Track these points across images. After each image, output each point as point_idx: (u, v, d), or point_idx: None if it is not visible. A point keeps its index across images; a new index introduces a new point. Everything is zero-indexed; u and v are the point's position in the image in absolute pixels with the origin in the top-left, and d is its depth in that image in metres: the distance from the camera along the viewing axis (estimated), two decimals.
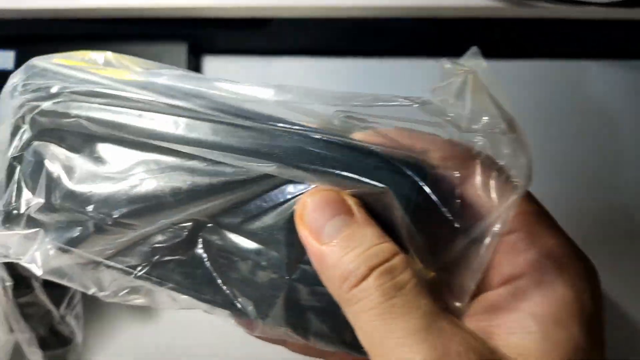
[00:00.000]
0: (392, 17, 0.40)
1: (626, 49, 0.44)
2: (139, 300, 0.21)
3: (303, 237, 0.18)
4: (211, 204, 0.19)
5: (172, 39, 0.42)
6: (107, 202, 0.20)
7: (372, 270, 0.16)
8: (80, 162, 0.20)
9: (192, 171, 0.19)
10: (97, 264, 0.21)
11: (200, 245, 0.20)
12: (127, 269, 0.20)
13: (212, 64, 0.45)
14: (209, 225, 0.20)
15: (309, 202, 0.18)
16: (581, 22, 0.40)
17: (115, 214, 0.20)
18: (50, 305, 0.30)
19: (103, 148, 0.20)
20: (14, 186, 0.21)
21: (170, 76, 0.20)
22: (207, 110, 0.19)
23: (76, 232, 0.20)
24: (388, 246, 0.17)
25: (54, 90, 0.21)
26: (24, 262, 0.21)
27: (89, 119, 0.20)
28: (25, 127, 0.21)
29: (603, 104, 0.43)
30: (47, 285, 0.29)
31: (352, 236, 0.17)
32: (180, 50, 0.42)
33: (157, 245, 0.20)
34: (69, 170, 0.21)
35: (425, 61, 0.43)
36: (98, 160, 0.20)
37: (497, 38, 0.44)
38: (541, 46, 0.44)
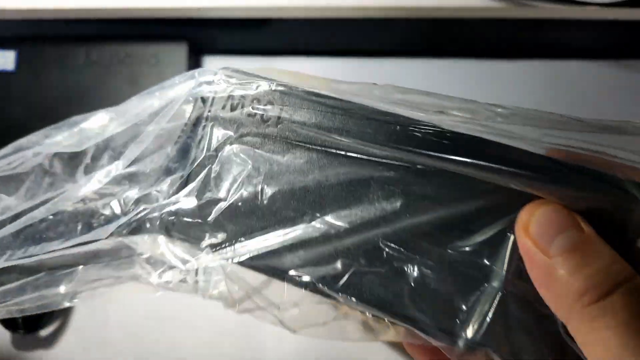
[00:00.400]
0: (391, 18, 0.40)
1: (626, 49, 0.44)
2: (324, 326, 0.19)
3: (526, 249, 0.17)
4: (422, 218, 0.18)
5: (172, 39, 0.42)
6: (315, 203, 0.19)
7: (617, 286, 0.16)
8: (281, 166, 0.19)
9: (402, 180, 0.18)
10: (281, 275, 0.19)
11: (403, 259, 0.18)
12: (321, 280, 0.18)
13: (212, 64, 0.45)
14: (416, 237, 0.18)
15: (536, 213, 0.17)
16: (581, 22, 0.40)
17: (326, 212, 0.19)
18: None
19: (311, 155, 0.19)
20: (204, 185, 0.19)
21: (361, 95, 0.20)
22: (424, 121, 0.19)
23: (272, 236, 0.19)
24: (626, 265, 0.16)
25: (262, 87, 0.19)
26: (194, 266, 0.19)
27: (300, 123, 0.19)
28: (223, 125, 0.20)
29: (603, 104, 0.43)
30: None
31: (587, 251, 0.16)
32: (181, 50, 0.42)
33: (355, 254, 0.18)
34: (268, 174, 0.19)
35: (426, 61, 0.44)
36: (303, 166, 0.19)
37: (497, 38, 0.44)
38: (541, 46, 0.44)
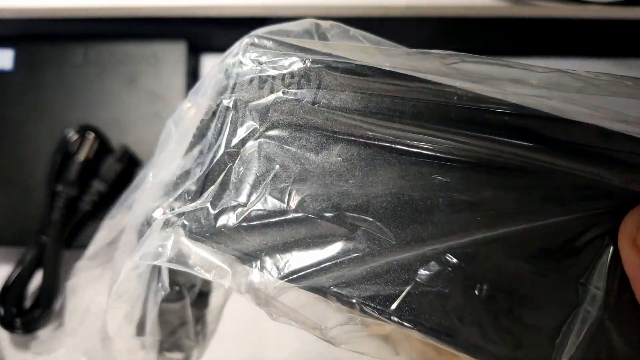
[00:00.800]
0: (390, 17, 0.40)
1: (626, 48, 0.44)
2: (369, 348, 0.16)
3: (633, 266, 0.14)
4: (497, 227, 0.14)
5: (172, 37, 0.42)
6: (359, 209, 0.15)
7: None
8: (315, 166, 0.16)
9: (472, 180, 0.15)
10: (320, 292, 0.15)
11: (472, 277, 0.15)
12: (370, 301, 0.15)
13: (211, 62, 0.45)
14: (484, 251, 0.15)
15: None
16: (581, 22, 0.40)
17: (372, 219, 0.15)
18: (190, 319, 0.26)
19: (353, 151, 0.15)
20: (221, 189, 0.16)
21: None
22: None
23: (303, 250, 0.15)
24: None
25: (295, 65, 0.16)
26: (231, 286, 0.16)
27: (340, 109, 0.15)
28: (250, 114, 0.17)
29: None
30: (199, 296, 0.24)
31: None
32: (180, 49, 0.42)
33: (411, 270, 0.15)
34: (299, 176, 0.16)
35: None
36: (343, 165, 0.16)
37: (497, 37, 0.44)
38: (541, 45, 0.44)
